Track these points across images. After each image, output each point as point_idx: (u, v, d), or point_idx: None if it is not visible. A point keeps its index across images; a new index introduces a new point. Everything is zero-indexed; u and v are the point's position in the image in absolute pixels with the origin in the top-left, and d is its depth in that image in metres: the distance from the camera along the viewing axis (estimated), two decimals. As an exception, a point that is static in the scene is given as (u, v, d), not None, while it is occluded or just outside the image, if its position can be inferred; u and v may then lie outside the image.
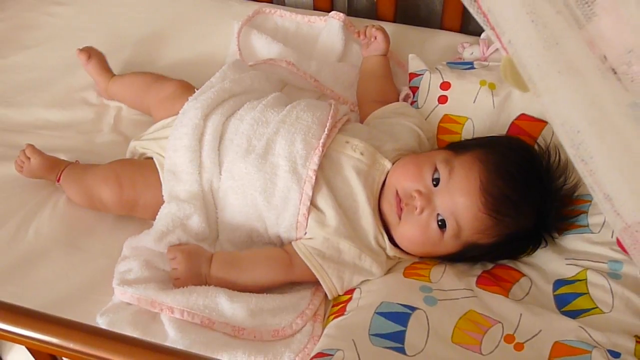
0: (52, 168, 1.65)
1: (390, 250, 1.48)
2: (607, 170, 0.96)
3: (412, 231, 1.45)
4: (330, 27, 2.00)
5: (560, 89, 0.97)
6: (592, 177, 0.98)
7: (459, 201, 1.41)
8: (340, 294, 1.45)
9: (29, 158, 1.64)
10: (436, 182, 1.45)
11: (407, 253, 1.50)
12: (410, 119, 1.68)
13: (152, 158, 1.63)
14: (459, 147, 1.52)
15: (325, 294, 1.46)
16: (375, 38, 1.86)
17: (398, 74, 1.93)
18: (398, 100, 1.79)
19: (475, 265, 1.49)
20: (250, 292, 1.42)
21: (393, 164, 1.53)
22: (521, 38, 0.97)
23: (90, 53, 1.88)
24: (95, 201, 1.60)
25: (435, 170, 1.45)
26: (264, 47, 1.96)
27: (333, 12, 2.02)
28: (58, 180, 1.65)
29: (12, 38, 2.12)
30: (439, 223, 1.43)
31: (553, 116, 1.01)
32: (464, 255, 1.47)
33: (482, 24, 1.02)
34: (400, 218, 1.46)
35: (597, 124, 0.96)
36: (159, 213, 1.51)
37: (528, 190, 1.42)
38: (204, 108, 1.57)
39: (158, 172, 1.59)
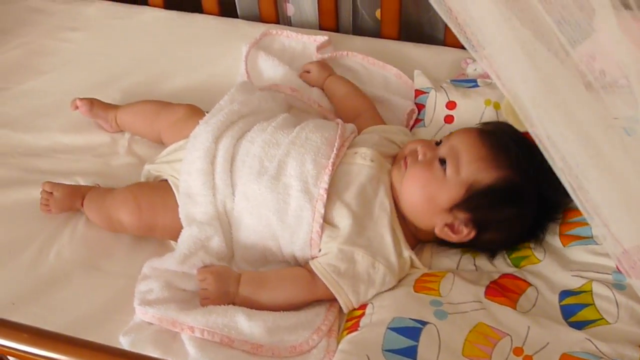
0: (76, 195, 1.69)
1: (406, 250, 1.52)
2: (604, 195, 0.99)
3: (415, 173, 1.54)
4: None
5: (552, 118, 1.01)
6: (589, 203, 1.02)
7: (457, 137, 1.55)
8: (356, 307, 1.48)
9: (51, 193, 1.68)
10: (439, 144, 1.58)
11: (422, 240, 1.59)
12: (401, 138, 1.74)
13: (167, 180, 1.67)
14: None
15: (339, 309, 1.49)
16: (309, 71, 1.97)
17: (394, 84, 2.00)
18: (372, 101, 1.89)
19: (481, 276, 1.51)
20: (275, 310, 1.46)
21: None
22: (517, 75, 1.02)
23: (91, 100, 1.91)
24: (115, 223, 1.65)
25: (440, 140, 1.59)
26: (270, 69, 2.00)
27: (317, 37, 2.10)
28: (82, 205, 1.69)
29: (28, 64, 2.17)
30: (441, 163, 1.52)
31: (547, 145, 1.05)
32: (469, 203, 1.50)
33: (482, 65, 1.07)
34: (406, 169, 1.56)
35: (591, 149, 0.99)
36: (180, 236, 1.55)
37: (526, 148, 1.47)
38: (215, 131, 1.61)
39: (174, 194, 1.63)
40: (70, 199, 1.69)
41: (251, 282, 1.50)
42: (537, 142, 1.08)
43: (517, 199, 1.50)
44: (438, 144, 1.58)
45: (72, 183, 1.76)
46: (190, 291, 1.52)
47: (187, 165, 1.61)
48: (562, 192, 1.48)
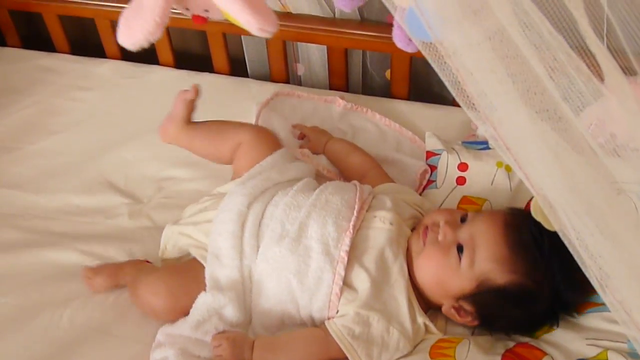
0: (117, 274, 1.68)
1: (420, 316, 1.52)
2: (620, 275, 1.00)
3: (431, 256, 1.52)
4: (333, 113, 2.11)
5: (581, 218, 1.02)
6: (605, 282, 1.02)
7: (480, 227, 1.51)
8: None
9: (90, 279, 1.67)
10: (463, 220, 1.55)
11: (434, 317, 1.56)
12: (409, 197, 1.74)
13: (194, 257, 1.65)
14: None
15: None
16: (307, 137, 1.99)
17: (407, 147, 2.02)
18: (375, 159, 1.89)
19: (497, 343, 1.52)
20: None
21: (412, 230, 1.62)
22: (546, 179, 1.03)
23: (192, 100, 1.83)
24: (147, 309, 1.62)
25: (466, 214, 1.56)
26: (281, 133, 2.01)
27: (332, 97, 2.12)
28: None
29: (39, 124, 2.18)
30: (458, 250, 1.50)
31: (576, 245, 1.07)
32: (477, 299, 1.50)
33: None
34: (424, 245, 1.54)
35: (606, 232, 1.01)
36: (195, 303, 1.54)
37: (549, 247, 1.46)
38: (249, 196, 1.62)
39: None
40: (112, 279, 1.68)
41: (265, 347, 1.50)
42: (566, 242, 1.10)
43: (527, 303, 1.49)
44: (464, 218, 1.56)
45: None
46: (205, 358, 1.51)
47: (218, 225, 1.60)
48: (580, 292, 1.49)
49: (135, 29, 1.32)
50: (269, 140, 1.83)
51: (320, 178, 1.89)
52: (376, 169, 1.87)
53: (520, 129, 1.04)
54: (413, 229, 1.64)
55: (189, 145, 1.82)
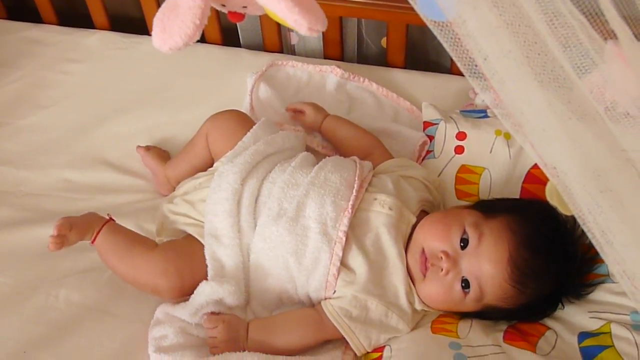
0: (87, 229, 1.58)
1: (418, 304, 1.50)
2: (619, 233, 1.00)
3: (435, 290, 1.48)
4: (330, 82, 2.07)
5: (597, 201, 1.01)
6: (604, 238, 1.02)
7: (485, 269, 1.43)
8: (369, 351, 1.48)
9: (65, 235, 1.53)
10: (464, 243, 1.47)
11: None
12: (415, 172, 1.71)
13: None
14: (487, 209, 1.53)
15: (355, 354, 1.48)
16: (303, 112, 1.91)
17: (405, 117, 1.99)
18: (377, 137, 1.84)
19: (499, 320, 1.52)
20: (286, 354, 1.45)
21: (417, 217, 1.58)
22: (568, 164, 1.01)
23: (147, 147, 1.91)
24: (146, 288, 1.58)
25: (464, 232, 1.47)
26: (275, 105, 1.99)
27: (329, 67, 2.09)
28: (93, 242, 1.58)
29: (28, 98, 2.13)
30: (463, 284, 1.45)
31: (594, 230, 1.06)
32: (484, 315, 1.50)
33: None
34: (424, 276, 1.49)
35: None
36: (196, 290, 1.51)
37: (552, 262, 1.44)
38: (242, 172, 1.58)
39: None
40: (81, 236, 1.57)
41: (260, 328, 1.50)
42: (581, 224, 1.10)
43: (531, 309, 1.49)
44: (464, 240, 1.47)
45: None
46: (203, 337, 1.51)
47: (212, 205, 1.57)
48: (587, 289, 1.50)
49: (172, 32, 1.24)
50: (235, 117, 1.79)
51: (315, 154, 1.85)
52: (381, 147, 1.82)
53: (526, 95, 1.01)
54: (422, 212, 1.62)
55: (182, 175, 1.78)
